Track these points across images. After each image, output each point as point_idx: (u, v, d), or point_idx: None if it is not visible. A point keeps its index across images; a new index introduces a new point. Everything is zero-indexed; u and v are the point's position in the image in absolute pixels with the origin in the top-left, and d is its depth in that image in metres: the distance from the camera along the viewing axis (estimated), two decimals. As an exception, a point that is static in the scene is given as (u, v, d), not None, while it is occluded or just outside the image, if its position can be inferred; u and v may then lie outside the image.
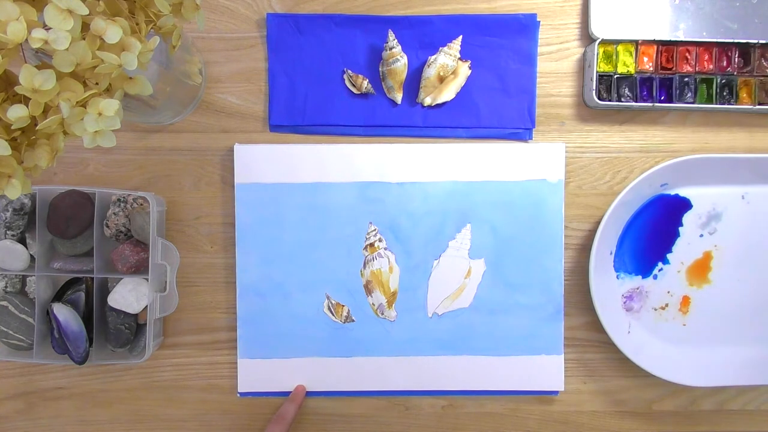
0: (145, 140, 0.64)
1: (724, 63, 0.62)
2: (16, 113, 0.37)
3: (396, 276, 0.63)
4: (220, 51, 0.63)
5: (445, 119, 0.63)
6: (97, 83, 0.39)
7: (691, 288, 0.64)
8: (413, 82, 0.63)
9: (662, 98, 0.62)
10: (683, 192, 0.63)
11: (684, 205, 0.64)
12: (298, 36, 0.63)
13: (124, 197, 0.62)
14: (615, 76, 0.62)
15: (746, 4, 0.63)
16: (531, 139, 0.64)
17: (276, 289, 0.63)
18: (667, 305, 0.64)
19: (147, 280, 0.60)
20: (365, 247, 0.63)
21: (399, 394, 0.64)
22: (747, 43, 0.61)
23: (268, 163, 0.62)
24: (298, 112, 0.63)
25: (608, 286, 0.63)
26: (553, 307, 0.63)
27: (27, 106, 0.37)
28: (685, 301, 0.64)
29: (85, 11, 0.35)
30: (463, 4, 0.63)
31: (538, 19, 0.63)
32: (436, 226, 0.63)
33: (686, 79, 0.62)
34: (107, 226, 0.62)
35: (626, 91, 0.62)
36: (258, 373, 0.63)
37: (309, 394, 0.64)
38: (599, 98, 0.61)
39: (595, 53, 0.61)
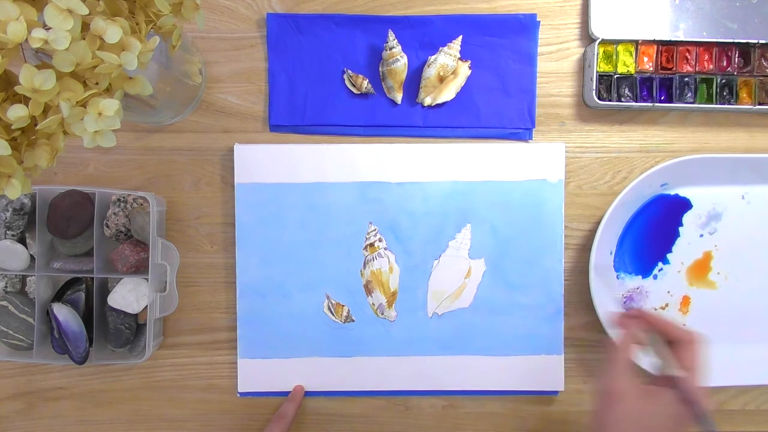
0: (145, 140, 0.64)
1: (724, 63, 0.62)
2: (16, 113, 0.37)
3: (396, 276, 0.63)
4: (220, 51, 0.63)
5: (445, 119, 0.63)
6: (97, 83, 0.39)
7: (691, 288, 0.64)
8: (413, 82, 0.63)
9: (662, 98, 0.62)
10: (683, 192, 0.63)
11: (684, 205, 0.64)
12: (298, 36, 0.63)
13: (124, 197, 0.62)
14: (615, 76, 0.62)
15: (746, 4, 0.63)
16: (531, 139, 0.64)
17: (276, 289, 0.63)
18: (667, 305, 0.64)
19: (147, 280, 0.60)
20: (365, 247, 0.63)
21: (399, 394, 0.64)
22: (747, 43, 0.61)
23: (268, 163, 0.62)
24: (298, 112, 0.63)
25: (608, 286, 0.63)
26: (553, 307, 0.63)
27: (27, 106, 0.37)
28: (685, 301, 0.64)
29: (85, 11, 0.35)
30: (463, 4, 0.63)
31: (538, 19, 0.63)
32: (436, 226, 0.63)
33: (686, 79, 0.62)
34: (107, 226, 0.62)
35: (626, 91, 0.62)
36: (258, 373, 0.63)
37: (309, 394, 0.64)
38: (599, 98, 0.61)
39: (595, 53, 0.61)
